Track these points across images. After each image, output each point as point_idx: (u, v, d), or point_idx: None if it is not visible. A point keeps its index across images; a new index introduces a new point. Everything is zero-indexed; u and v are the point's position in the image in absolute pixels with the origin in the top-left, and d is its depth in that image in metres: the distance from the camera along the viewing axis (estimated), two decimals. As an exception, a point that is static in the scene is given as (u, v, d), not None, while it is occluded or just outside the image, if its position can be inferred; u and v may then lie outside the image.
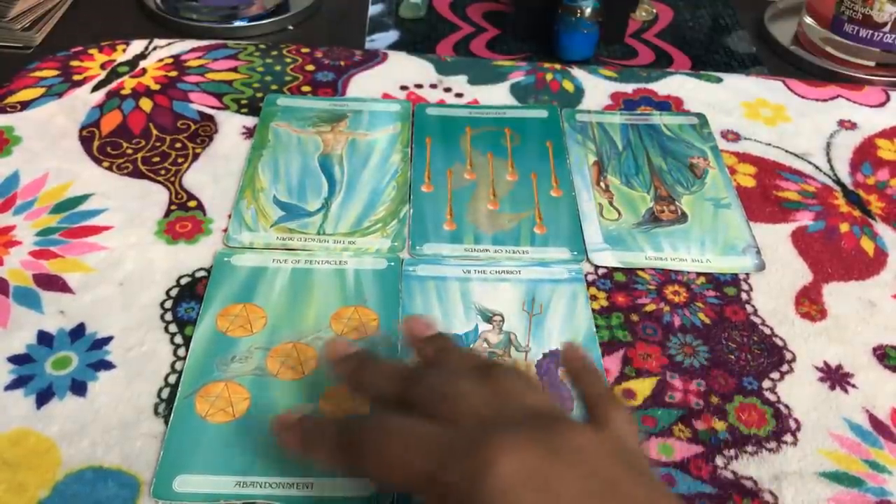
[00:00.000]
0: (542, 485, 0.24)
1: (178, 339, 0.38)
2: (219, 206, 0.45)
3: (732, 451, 0.34)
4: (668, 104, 0.55)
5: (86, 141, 0.49)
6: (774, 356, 0.39)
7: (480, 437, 0.25)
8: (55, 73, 0.55)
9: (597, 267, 0.43)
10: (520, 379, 0.30)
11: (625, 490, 0.25)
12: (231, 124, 0.51)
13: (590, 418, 0.30)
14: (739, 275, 0.43)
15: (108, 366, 0.36)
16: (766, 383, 0.37)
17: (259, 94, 0.54)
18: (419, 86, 0.56)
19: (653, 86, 0.57)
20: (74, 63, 0.56)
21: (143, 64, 0.56)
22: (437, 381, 0.29)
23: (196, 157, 0.49)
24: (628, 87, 0.57)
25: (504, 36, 0.65)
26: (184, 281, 0.41)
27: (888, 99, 0.57)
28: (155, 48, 0.58)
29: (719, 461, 0.34)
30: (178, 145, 0.50)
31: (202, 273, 0.41)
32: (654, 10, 0.69)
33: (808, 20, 0.63)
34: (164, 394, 0.35)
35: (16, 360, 0.36)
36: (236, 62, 0.57)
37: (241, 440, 0.34)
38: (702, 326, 0.40)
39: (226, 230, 0.44)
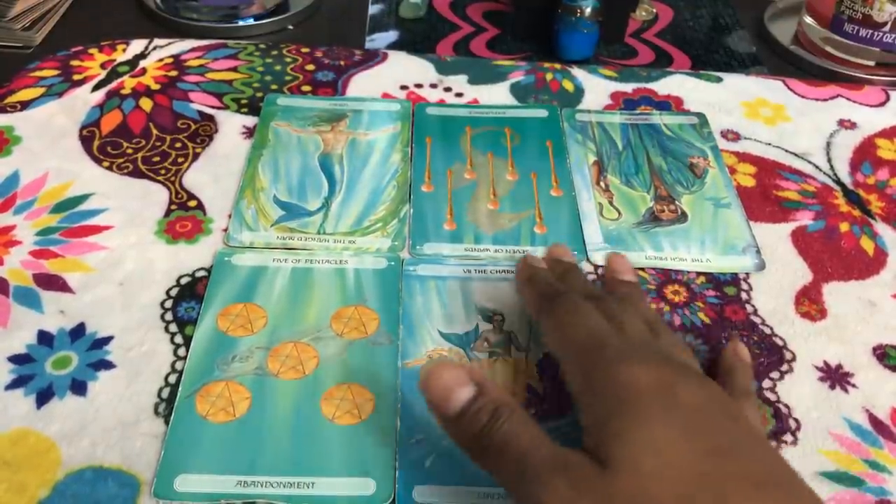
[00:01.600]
0: (668, 390, 0.29)
1: (179, 339, 0.38)
2: (219, 205, 0.45)
3: (733, 451, 0.34)
4: (668, 104, 0.55)
5: (86, 141, 0.49)
6: (774, 356, 0.39)
7: (631, 350, 0.31)
8: (55, 72, 0.55)
9: (597, 267, 0.43)
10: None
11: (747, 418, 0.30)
12: (231, 124, 0.51)
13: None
14: (739, 274, 0.43)
15: (108, 365, 0.36)
16: (766, 383, 0.37)
17: (259, 94, 0.54)
18: (419, 85, 0.56)
19: (653, 85, 0.57)
20: (74, 63, 0.56)
21: (143, 64, 0.56)
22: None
23: (196, 156, 0.49)
24: (628, 87, 0.57)
25: (504, 36, 0.65)
26: (184, 281, 0.41)
27: (888, 99, 0.57)
28: (155, 48, 0.58)
29: (719, 461, 0.34)
30: (179, 145, 0.50)
31: (202, 273, 0.41)
32: (654, 10, 0.69)
33: (808, 20, 0.63)
34: (165, 393, 0.35)
35: (16, 359, 0.36)
36: (236, 62, 0.57)
37: (242, 440, 0.34)
38: (702, 326, 0.40)
39: (226, 230, 0.44)
